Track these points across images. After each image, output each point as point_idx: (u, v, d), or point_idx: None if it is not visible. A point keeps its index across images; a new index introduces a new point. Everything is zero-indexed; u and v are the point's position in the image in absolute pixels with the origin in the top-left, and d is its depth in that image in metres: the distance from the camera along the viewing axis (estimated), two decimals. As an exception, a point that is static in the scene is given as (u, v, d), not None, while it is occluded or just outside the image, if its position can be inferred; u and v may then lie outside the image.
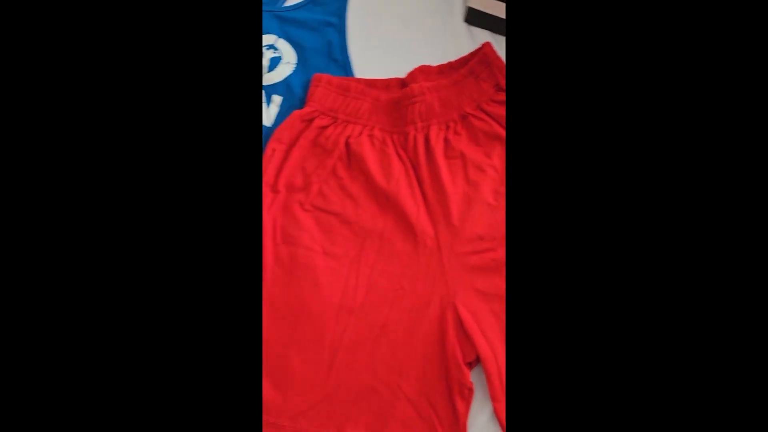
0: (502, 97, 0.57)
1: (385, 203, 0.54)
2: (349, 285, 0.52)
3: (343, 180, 0.54)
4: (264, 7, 0.62)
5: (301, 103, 0.58)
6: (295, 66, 0.60)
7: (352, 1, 0.63)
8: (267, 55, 0.60)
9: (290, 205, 0.54)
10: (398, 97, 0.56)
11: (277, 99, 0.58)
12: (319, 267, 0.52)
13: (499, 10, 0.60)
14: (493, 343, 0.50)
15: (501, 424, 0.49)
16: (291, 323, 0.51)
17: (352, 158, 0.55)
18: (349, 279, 0.52)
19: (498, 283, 0.52)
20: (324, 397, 0.49)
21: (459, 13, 0.63)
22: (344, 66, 0.60)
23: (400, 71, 0.59)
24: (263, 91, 0.59)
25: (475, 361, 0.50)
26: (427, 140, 0.55)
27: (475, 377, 0.50)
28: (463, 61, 0.59)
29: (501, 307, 0.51)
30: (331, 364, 0.49)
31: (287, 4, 0.63)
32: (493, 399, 0.48)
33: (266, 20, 0.61)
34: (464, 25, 0.62)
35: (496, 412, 0.48)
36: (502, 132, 0.56)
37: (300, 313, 0.51)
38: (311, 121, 0.56)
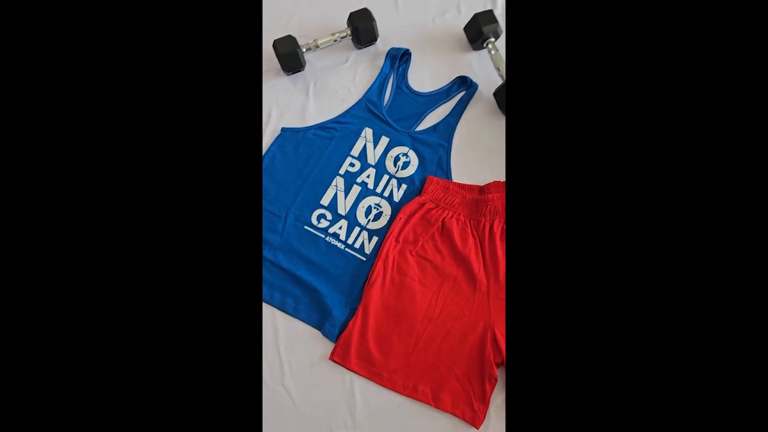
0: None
1: (460, 260, 0.87)
2: (432, 304, 0.85)
3: (437, 242, 0.89)
4: (403, 129, 0.99)
5: (419, 192, 0.93)
6: (417, 168, 0.96)
7: (457, 133, 1.00)
8: (402, 160, 0.97)
9: (404, 251, 0.89)
10: (477, 197, 0.91)
11: (404, 187, 0.95)
12: (416, 290, 0.86)
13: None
14: (513, 355, 0.81)
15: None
16: (395, 319, 0.85)
17: (444, 230, 0.89)
18: (432, 300, 0.85)
19: (521, 321, 0.83)
20: (408, 365, 0.82)
21: (522, 151, 0.98)
22: (447, 173, 0.96)
23: (481, 180, 0.93)
24: (396, 180, 0.95)
25: (501, 363, 0.81)
26: (491, 228, 0.89)
27: (500, 373, 0.81)
28: (521, 183, 0.93)
29: (521, 337, 0.82)
30: (414, 347, 0.83)
31: (418, 129, 1.00)
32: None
33: (404, 137, 0.98)
34: (524, 160, 0.97)
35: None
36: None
37: (401, 314, 0.85)
38: (423, 204, 0.91)
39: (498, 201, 0.90)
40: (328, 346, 0.84)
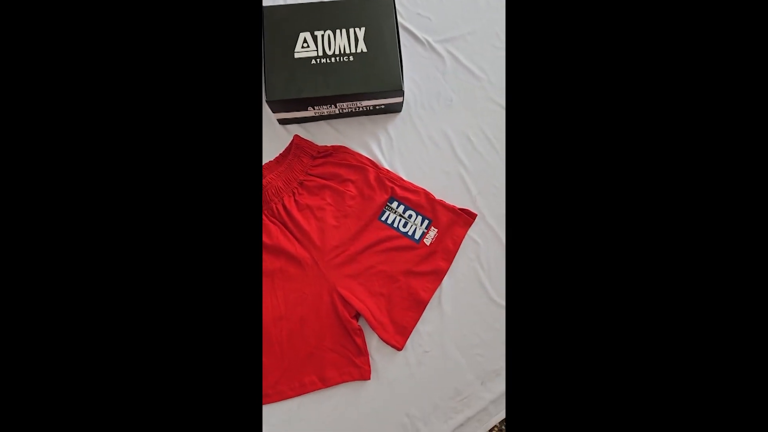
0: (318, 162, 0.92)
1: (276, 252, 0.88)
2: (274, 305, 0.86)
3: (247, 249, 0.88)
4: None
5: (205, 215, 0.91)
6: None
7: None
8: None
9: (223, 277, 0.88)
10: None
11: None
12: (254, 303, 0.86)
13: (294, 114, 0.95)
14: (363, 300, 0.86)
15: (384, 340, 0.84)
16: (250, 339, 0.84)
17: (247, 234, 0.89)
18: (272, 301, 0.86)
19: (355, 267, 0.87)
20: (285, 370, 0.83)
21: (275, 122, 0.98)
22: (221, 182, 0.94)
23: (255, 170, 0.93)
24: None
25: (357, 315, 0.85)
26: (284, 206, 0.90)
27: (363, 323, 0.85)
28: (287, 151, 0.94)
29: (363, 278, 0.87)
30: (281, 351, 0.84)
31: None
32: (373, 329, 0.84)
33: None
34: (281, 127, 0.98)
35: (378, 335, 0.84)
36: (326, 182, 0.91)
37: (253, 332, 0.85)
38: (215, 223, 0.90)
39: (275, 180, 0.90)
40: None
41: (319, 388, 0.83)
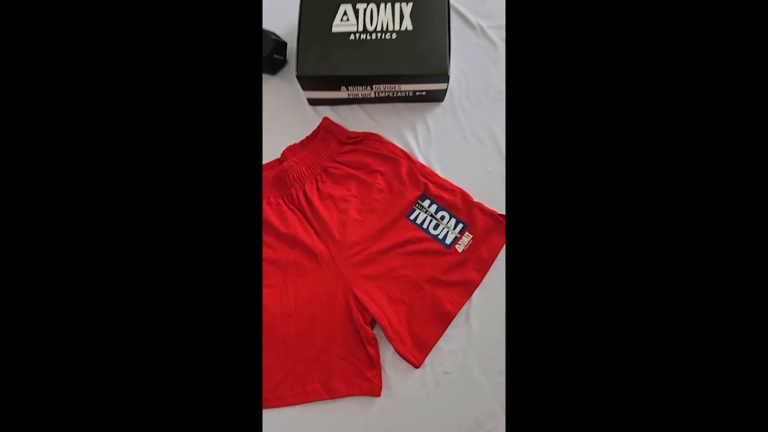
0: (346, 148, 0.84)
1: (291, 242, 0.80)
2: (284, 300, 0.78)
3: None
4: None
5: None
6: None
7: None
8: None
9: (232, 264, 0.81)
10: (278, 171, 0.83)
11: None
12: (263, 295, 0.78)
13: (326, 95, 0.86)
14: (381, 306, 0.77)
15: (400, 355, 0.75)
16: (253, 336, 0.77)
17: (262, 221, 0.81)
18: (282, 297, 0.78)
19: (376, 268, 0.78)
20: (288, 372, 0.75)
21: (305, 102, 0.90)
22: (241, 161, 0.87)
23: (278, 154, 0.86)
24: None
25: (373, 321, 0.76)
26: (305, 194, 0.82)
27: (378, 332, 0.76)
28: (314, 134, 0.86)
29: (383, 282, 0.78)
30: (286, 351, 0.76)
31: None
32: (390, 340, 0.75)
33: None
34: (310, 107, 0.90)
35: (394, 347, 0.75)
36: (353, 171, 0.83)
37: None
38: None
39: (298, 164, 0.82)
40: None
41: (323, 399, 0.74)
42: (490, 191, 0.82)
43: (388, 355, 0.76)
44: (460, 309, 0.77)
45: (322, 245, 0.79)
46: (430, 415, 0.73)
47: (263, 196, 0.82)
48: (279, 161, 0.85)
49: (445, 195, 0.81)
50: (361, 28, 0.80)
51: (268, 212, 0.81)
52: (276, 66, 0.89)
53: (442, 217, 0.80)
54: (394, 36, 0.80)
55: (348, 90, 0.83)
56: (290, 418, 0.74)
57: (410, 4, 0.81)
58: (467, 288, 0.77)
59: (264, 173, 0.83)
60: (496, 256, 0.79)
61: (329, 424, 0.74)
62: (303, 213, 0.81)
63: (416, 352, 0.75)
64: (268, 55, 0.86)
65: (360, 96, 0.85)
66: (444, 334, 0.76)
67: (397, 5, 0.81)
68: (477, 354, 0.76)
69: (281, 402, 0.74)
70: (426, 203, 0.81)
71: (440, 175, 0.83)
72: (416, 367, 0.75)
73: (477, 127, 0.86)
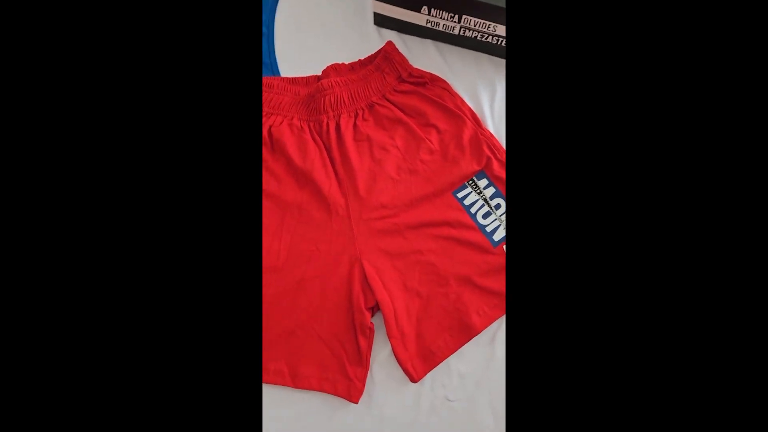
0: (404, 87, 0.66)
1: (303, 179, 0.63)
2: (273, 249, 0.61)
3: (267, 162, 0.64)
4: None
5: (234, 100, 0.67)
6: (229, 68, 0.69)
7: (279, 12, 0.73)
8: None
9: (223, 185, 0.64)
10: (313, 90, 0.66)
11: (213, 97, 0.68)
12: (247, 234, 0.62)
13: (400, 14, 0.69)
14: (392, 292, 0.60)
15: (397, 358, 0.58)
16: (222, 280, 0.60)
17: (274, 144, 0.64)
18: (272, 244, 0.61)
19: (399, 243, 0.61)
20: (249, 339, 0.58)
21: (370, 18, 0.72)
22: (271, 67, 0.70)
23: (319, 70, 0.68)
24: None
25: (376, 307, 0.59)
26: (338, 126, 0.64)
27: (378, 322, 0.59)
28: (371, 59, 0.68)
29: (402, 263, 0.61)
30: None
31: (224, 15, 0.73)
32: (390, 337, 0.58)
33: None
34: (375, 28, 0.72)
35: (392, 347, 0.58)
36: (405, 117, 0.65)
37: (229, 272, 0.60)
38: (241, 113, 0.66)
39: (340, 88, 0.65)
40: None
41: (285, 385, 0.58)
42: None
43: (380, 355, 0.59)
44: (487, 325, 0.59)
45: (341, 195, 0.62)
46: (411, 446, 0.57)
47: (287, 115, 0.65)
48: (317, 78, 0.68)
49: (510, 180, 0.63)
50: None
51: (286, 135, 0.64)
52: None
53: (497, 206, 0.63)
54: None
55: (429, 13, 0.65)
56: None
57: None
58: (503, 302, 0.60)
59: (295, 88, 0.66)
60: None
61: (281, 416, 0.58)
62: (328, 149, 0.64)
63: (418, 362, 0.58)
64: None
65: (440, 28, 0.67)
66: (458, 351, 0.59)
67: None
68: (492, 387, 0.59)
69: (232, 372, 0.58)
70: (482, 183, 0.63)
71: (509, 154, 0.65)
72: (413, 381, 0.57)
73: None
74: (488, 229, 0.62)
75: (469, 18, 0.63)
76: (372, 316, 0.58)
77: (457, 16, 0.64)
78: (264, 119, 0.65)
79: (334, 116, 0.64)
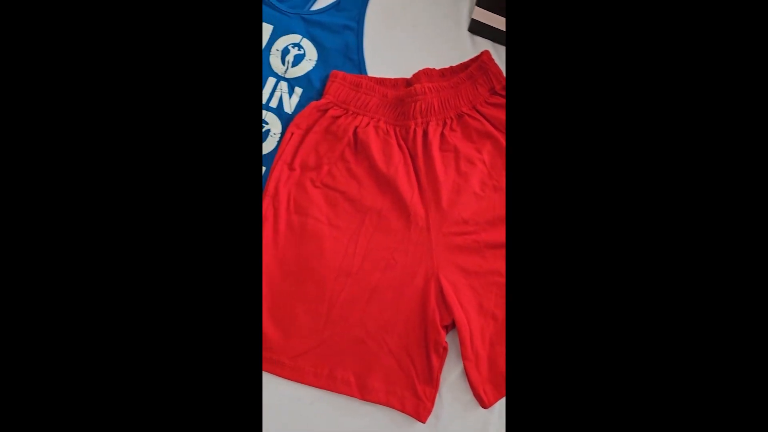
0: (497, 100, 0.64)
1: (385, 185, 0.61)
2: (348, 252, 0.60)
3: (349, 163, 0.62)
4: (292, 10, 0.70)
5: (319, 95, 0.65)
6: (315, 63, 0.67)
7: (370, 8, 0.71)
8: (292, 52, 0.68)
9: (303, 182, 0.62)
10: (403, 94, 0.64)
11: (298, 91, 0.66)
12: (324, 235, 0.60)
13: (500, 23, 0.67)
14: (468, 312, 0.58)
15: (469, 381, 0.56)
16: (298, 279, 0.59)
17: (358, 145, 0.63)
18: (348, 247, 0.60)
19: (477, 262, 0.59)
20: (320, 343, 0.57)
21: (464, 23, 0.70)
22: (359, 65, 0.68)
23: (408, 72, 0.66)
24: (287, 83, 0.67)
25: (451, 325, 0.57)
26: (425, 134, 0.62)
27: (450, 341, 0.57)
28: (464, 66, 0.66)
29: (479, 283, 0.59)
30: (327, 317, 0.58)
31: (314, 8, 0.71)
32: (464, 358, 0.56)
33: (293, 21, 0.69)
34: (468, 34, 0.69)
35: (465, 369, 0.56)
36: (494, 131, 0.63)
37: (305, 272, 0.59)
38: (326, 111, 0.64)
39: (431, 94, 0.63)
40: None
41: (352, 395, 0.57)
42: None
43: (451, 376, 0.57)
44: (563, 357, 0.58)
45: (422, 206, 0.60)
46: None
47: (372, 116, 0.63)
48: (407, 82, 0.66)
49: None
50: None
51: (372, 137, 0.62)
52: None
53: (582, 234, 0.60)
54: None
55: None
56: (298, 398, 0.56)
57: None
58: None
59: (383, 89, 0.64)
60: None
61: (342, 429, 0.56)
62: (413, 157, 0.62)
63: (490, 388, 0.56)
64: None
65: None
66: (529, 380, 0.57)
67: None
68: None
69: (297, 376, 0.57)
70: (568, 207, 0.61)
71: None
72: (484, 406, 0.55)
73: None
74: (572, 256, 0.59)
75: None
76: (446, 334, 0.57)
77: (562, 31, 0.61)
78: (350, 118, 0.63)
79: (422, 123, 0.62)
